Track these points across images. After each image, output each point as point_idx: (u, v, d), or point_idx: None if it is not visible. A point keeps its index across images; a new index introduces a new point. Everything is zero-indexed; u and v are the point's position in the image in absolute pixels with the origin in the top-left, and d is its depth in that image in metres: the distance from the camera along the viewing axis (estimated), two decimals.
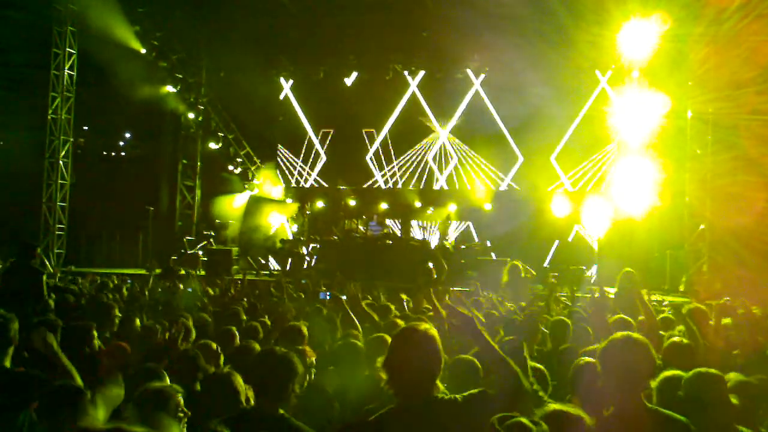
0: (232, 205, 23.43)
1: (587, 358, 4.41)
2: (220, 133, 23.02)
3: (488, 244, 20.27)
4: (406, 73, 22.84)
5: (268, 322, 7.44)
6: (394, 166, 23.17)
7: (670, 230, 18.60)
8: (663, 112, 17.46)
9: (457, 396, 3.16)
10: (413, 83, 23.13)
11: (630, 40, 17.42)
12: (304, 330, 6.05)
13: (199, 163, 23.61)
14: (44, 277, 9.27)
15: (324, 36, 21.24)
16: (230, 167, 23.27)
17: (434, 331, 3.26)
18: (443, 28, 19.97)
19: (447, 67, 22.13)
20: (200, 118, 22.92)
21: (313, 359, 5.39)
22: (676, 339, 5.53)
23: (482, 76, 22.31)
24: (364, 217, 20.76)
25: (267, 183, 23.46)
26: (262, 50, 21.89)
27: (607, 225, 19.16)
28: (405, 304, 9.24)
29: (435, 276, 14.16)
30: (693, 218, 17.60)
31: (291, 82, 23.96)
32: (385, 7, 20.32)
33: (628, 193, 18.81)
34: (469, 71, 22.28)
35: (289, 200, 23.20)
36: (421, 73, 22.92)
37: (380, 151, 23.28)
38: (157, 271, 13.23)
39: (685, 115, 17.67)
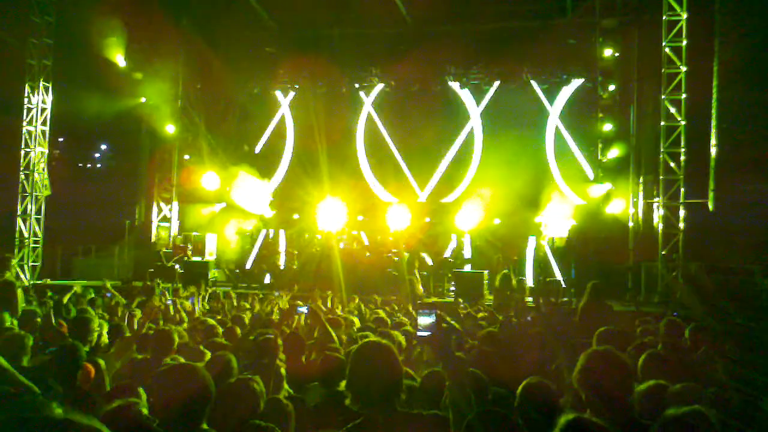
0: (208, 217, 23.36)
1: None
2: (196, 145, 22.98)
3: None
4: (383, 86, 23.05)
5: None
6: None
7: (645, 242, 18.89)
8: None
9: (423, 411, 3.22)
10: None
11: None
12: (279, 342, 6.08)
13: (175, 175, 23.52)
14: (20, 291, 9.22)
15: (304, 50, 21.37)
16: (206, 178, 23.15)
17: (391, 345, 3.34)
18: (422, 42, 20.26)
19: (427, 81, 22.39)
20: (176, 130, 22.86)
21: (283, 371, 5.42)
22: (653, 351, 5.57)
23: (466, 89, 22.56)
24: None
25: (244, 193, 23.37)
26: (241, 63, 21.98)
27: (582, 236, 19.41)
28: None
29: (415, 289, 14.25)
30: (666, 230, 17.84)
31: (289, 95, 23.93)
32: (363, 22, 20.58)
33: (606, 205, 19.15)
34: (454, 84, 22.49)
35: (269, 212, 23.10)
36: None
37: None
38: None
39: (659, 127, 17.94)
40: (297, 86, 23.52)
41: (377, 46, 21.85)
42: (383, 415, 3.14)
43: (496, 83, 22.09)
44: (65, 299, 9.89)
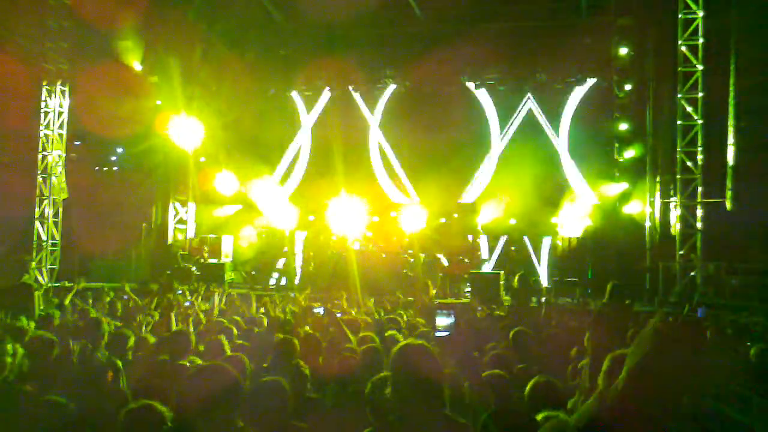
0: (224, 219, 23.44)
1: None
2: (212, 147, 23.03)
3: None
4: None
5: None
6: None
7: (662, 242, 18.80)
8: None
9: (459, 419, 3.21)
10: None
11: None
12: (297, 344, 6.08)
13: (191, 177, 23.56)
14: (37, 293, 9.30)
15: (319, 51, 21.43)
16: (221, 180, 23.18)
17: (429, 345, 3.33)
18: (437, 43, 20.25)
19: (442, 81, 22.41)
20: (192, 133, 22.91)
21: (306, 371, 5.43)
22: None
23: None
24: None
25: (260, 195, 23.40)
26: (256, 65, 22.06)
27: (597, 237, 19.37)
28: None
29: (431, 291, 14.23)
30: (684, 229, 17.72)
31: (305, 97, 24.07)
32: (378, 23, 20.60)
33: (623, 205, 19.07)
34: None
35: (283, 212, 23.12)
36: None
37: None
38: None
39: (675, 126, 17.83)
40: (313, 88, 23.59)
41: (392, 46, 21.87)
42: (428, 415, 3.14)
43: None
44: (67, 300, 9.95)
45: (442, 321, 3.50)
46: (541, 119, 21.88)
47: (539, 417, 3.06)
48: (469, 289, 18.65)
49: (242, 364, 5.03)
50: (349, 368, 5.42)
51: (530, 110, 21.92)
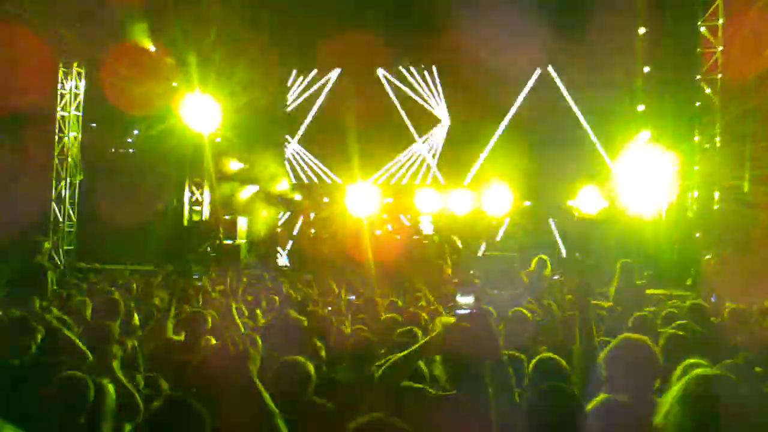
0: (240, 200, 23.46)
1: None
2: (227, 129, 23.03)
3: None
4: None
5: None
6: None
7: (678, 224, 18.66)
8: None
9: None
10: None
11: None
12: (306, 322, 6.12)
13: (206, 159, 23.55)
14: (50, 274, 9.37)
15: (335, 32, 21.27)
16: (237, 162, 23.22)
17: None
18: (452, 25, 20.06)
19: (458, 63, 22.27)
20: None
21: (323, 353, 5.44)
22: (672, 331, 5.51)
23: None
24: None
25: (274, 177, 23.42)
26: (271, 45, 21.97)
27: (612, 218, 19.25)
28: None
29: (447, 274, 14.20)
30: (701, 212, 17.57)
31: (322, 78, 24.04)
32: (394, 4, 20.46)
33: (637, 188, 18.87)
34: None
35: (297, 196, 23.15)
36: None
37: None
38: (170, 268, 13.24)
39: (694, 108, 17.65)
40: (329, 69, 23.49)
41: (411, 26, 21.67)
42: (473, 388, 3.17)
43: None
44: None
45: (463, 300, 3.49)
46: (562, 100, 21.73)
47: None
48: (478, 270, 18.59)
49: (255, 344, 5.05)
50: (365, 348, 5.43)
51: (550, 90, 21.71)
